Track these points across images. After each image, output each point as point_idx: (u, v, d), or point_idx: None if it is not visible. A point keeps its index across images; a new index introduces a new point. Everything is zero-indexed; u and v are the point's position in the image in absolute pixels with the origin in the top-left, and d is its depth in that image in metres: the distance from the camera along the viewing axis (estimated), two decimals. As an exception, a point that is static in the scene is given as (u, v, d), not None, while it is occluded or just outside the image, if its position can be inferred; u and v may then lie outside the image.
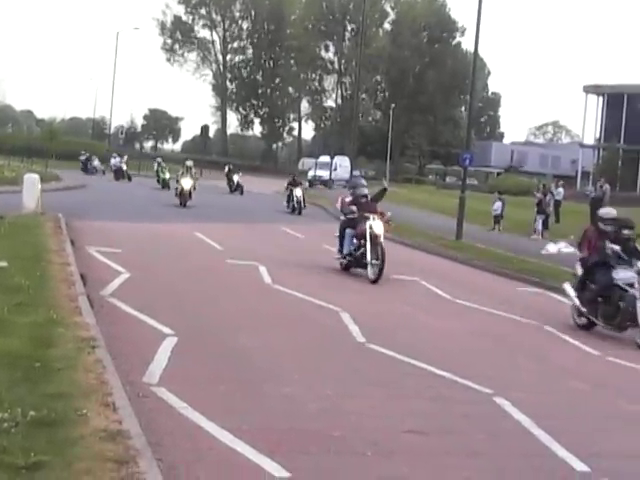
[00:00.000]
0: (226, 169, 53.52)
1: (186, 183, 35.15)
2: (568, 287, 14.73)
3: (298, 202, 37.78)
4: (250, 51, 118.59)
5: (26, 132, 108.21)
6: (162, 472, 5.58)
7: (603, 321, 13.75)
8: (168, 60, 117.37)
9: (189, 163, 37.48)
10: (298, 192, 37.91)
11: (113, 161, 59.94)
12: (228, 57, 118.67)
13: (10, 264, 13.06)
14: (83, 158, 62.75)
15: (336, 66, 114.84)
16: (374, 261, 17.48)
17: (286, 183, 39.90)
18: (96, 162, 63.25)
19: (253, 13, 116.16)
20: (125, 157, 59.86)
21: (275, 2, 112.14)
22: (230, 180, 50.57)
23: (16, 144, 72.15)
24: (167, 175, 49.36)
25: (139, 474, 5.33)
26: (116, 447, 5.74)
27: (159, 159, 54.65)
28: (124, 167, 57.57)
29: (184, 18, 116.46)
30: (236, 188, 49.35)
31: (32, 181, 25.01)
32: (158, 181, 50.35)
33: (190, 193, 35.33)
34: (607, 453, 7.42)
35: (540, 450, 7.26)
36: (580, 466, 6.88)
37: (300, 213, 37.45)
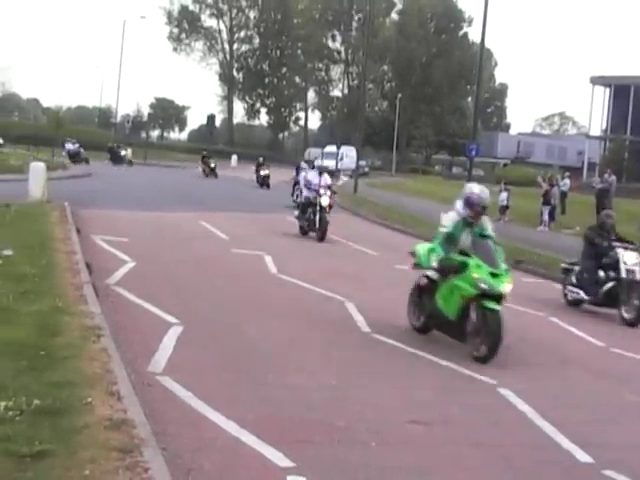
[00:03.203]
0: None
1: None
2: None
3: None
4: (257, 40, 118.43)
5: (32, 120, 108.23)
6: (166, 461, 5.59)
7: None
8: (175, 49, 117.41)
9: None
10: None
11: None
12: (235, 46, 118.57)
13: (16, 252, 13.09)
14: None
15: (343, 56, 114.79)
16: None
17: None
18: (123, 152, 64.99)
19: (260, 2, 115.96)
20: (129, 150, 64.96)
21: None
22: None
23: (22, 132, 72.28)
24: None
25: (143, 463, 5.35)
26: (121, 436, 5.76)
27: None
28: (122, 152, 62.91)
29: (191, 7, 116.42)
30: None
31: (38, 169, 25.06)
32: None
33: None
34: (611, 444, 7.41)
35: (544, 441, 7.26)
36: (584, 457, 6.89)
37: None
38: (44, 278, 11.32)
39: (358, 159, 54.99)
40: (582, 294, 15.11)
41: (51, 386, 6.62)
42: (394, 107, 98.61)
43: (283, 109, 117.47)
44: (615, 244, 14.92)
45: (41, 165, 25.75)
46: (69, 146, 59.86)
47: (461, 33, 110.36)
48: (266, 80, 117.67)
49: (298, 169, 32.43)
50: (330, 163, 70.89)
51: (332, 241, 23.10)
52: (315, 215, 22.81)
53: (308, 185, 23.83)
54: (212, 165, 57.01)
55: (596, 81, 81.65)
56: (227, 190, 43.47)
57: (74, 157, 57.78)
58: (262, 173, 48.85)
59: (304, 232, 23.31)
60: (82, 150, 59.41)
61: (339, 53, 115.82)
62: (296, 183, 29.71)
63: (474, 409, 8.07)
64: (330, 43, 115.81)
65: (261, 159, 52.85)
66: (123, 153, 63.62)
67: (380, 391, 8.38)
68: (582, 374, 10.18)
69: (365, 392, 8.26)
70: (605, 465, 6.72)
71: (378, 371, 9.18)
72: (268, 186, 47.70)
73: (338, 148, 69.16)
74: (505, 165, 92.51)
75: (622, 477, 6.51)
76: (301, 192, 25.27)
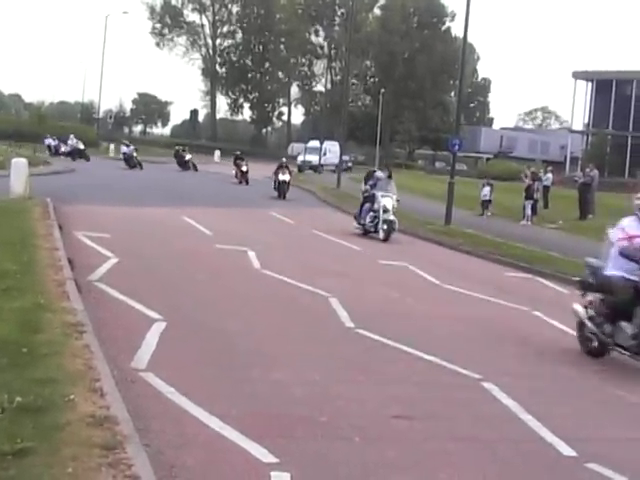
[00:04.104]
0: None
1: None
2: None
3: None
4: (240, 35, 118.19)
5: (14, 116, 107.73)
6: (150, 457, 5.57)
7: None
8: (157, 44, 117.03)
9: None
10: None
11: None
12: (218, 41, 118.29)
13: (-3, 249, 13.01)
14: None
15: (326, 51, 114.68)
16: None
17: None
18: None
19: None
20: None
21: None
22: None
23: (4, 128, 71.81)
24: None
25: (126, 460, 5.32)
26: (103, 433, 5.74)
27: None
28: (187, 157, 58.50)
29: (173, 2, 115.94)
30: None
31: (20, 165, 24.93)
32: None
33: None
34: (594, 438, 7.45)
35: (528, 435, 7.28)
36: (568, 451, 6.91)
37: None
38: (26, 275, 11.26)
39: (341, 154, 55.00)
40: None
41: (33, 383, 6.59)
42: (377, 102, 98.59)
43: (266, 104, 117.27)
44: None
45: (23, 161, 25.61)
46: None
47: (444, 28, 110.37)
48: (249, 75, 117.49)
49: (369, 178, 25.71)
50: (313, 158, 71.25)
51: (315, 236, 23.12)
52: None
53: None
54: (187, 157, 56.69)
55: (578, 76, 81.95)
56: (210, 185, 43.37)
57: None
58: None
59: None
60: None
61: (322, 48, 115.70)
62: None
63: (458, 403, 8.08)
64: (313, 38, 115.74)
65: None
66: (188, 157, 57.77)
67: (363, 386, 8.38)
68: (566, 368, 10.21)
69: (348, 387, 8.26)
70: (588, 458, 6.74)
71: (361, 366, 9.18)
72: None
73: (321, 143, 69.28)
74: (488, 160, 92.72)
75: (605, 470, 6.52)
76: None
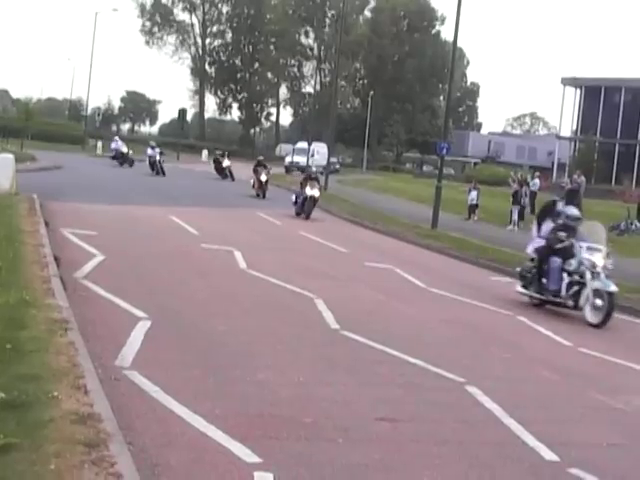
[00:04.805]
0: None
1: None
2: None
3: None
4: (229, 35, 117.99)
5: (1, 112, 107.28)
6: (133, 456, 5.57)
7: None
8: (147, 43, 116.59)
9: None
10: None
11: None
12: (207, 41, 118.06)
13: (-17, 245, 12.96)
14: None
15: (315, 52, 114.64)
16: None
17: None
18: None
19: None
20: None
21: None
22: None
23: (-9, 124, 71.53)
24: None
25: (109, 458, 5.31)
26: (87, 430, 5.72)
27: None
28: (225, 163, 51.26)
29: (164, 1, 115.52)
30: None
31: (6, 161, 24.84)
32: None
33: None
34: (576, 443, 7.47)
35: (511, 439, 7.30)
36: (550, 455, 6.93)
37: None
38: (11, 271, 11.21)
39: (329, 156, 55.02)
40: None
41: (17, 379, 6.57)
42: (366, 104, 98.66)
43: (255, 104, 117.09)
44: None
45: (9, 157, 25.52)
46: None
47: (434, 32, 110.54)
48: (238, 75, 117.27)
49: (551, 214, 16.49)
50: (301, 159, 71.18)
51: (302, 238, 23.12)
52: None
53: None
54: (225, 164, 49.03)
55: (567, 82, 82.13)
56: (196, 185, 43.29)
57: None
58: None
59: None
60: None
61: (312, 50, 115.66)
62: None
63: (441, 407, 8.09)
64: (303, 39, 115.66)
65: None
66: (226, 164, 49.09)
67: (348, 388, 8.39)
68: (549, 373, 10.24)
69: (333, 389, 8.27)
70: (571, 463, 6.77)
71: (346, 368, 9.18)
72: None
73: (309, 144, 69.07)
74: (476, 164, 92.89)
75: (587, 475, 6.55)
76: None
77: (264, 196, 37.37)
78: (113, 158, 53.80)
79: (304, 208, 29.53)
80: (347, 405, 7.76)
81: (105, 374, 7.52)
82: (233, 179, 47.59)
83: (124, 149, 54.23)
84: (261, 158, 40.57)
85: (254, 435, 6.57)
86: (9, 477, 4.88)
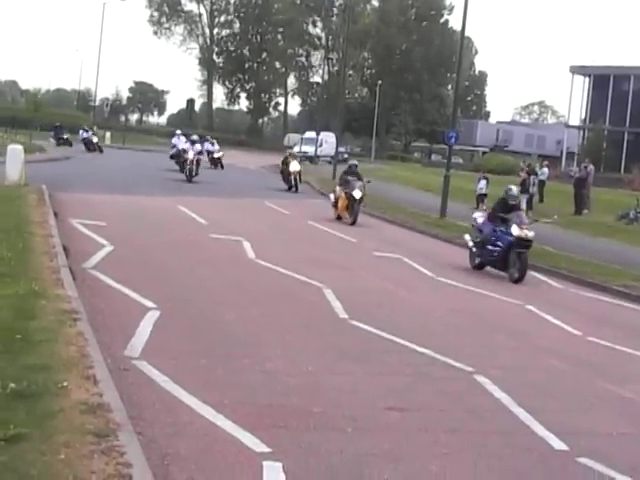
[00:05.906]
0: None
1: None
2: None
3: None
4: (237, 25, 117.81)
5: (10, 102, 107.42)
6: (142, 446, 5.58)
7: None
8: (155, 33, 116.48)
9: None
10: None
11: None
12: (215, 31, 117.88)
13: (-8, 235, 12.98)
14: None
15: (323, 42, 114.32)
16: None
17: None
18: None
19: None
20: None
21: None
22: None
23: (0, 115, 71.57)
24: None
25: (119, 447, 5.32)
26: (96, 420, 5.74)
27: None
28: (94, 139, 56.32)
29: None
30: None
31: (16, 152, 24.85)
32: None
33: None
34: (586, 432, 7.46)
35: (519, 428, 7.30)
36: (559, 444, 6.92)
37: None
38: (20, 261, 11.25)
39: (337, 145, 54.95)
40: None
41: (27, 370, 6.59)
42: (374, 94, 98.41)
43: (263, 94, 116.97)
44: None
45: (19, 148, 25.54)
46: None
47: (442, 20, 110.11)
48: (246, 65, 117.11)
49: None
50: (309, 149, 71.16)
51: (311, 227, 23.12)
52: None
53: None
54: (292, 168, 38.04)
55: (576, 70, 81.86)
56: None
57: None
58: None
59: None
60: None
61: (320, 39, 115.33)
62: None
63: (450, 396, 8.09)
64: (311, 29, 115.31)
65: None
66: (294, 169, 37.15)
67: (356, 377, 8.39)
68: (558, 362, 10.23)
69: (341, 378, 8.27)
70: (580, 452, 6.76)
71: (355, 357, 9.19)
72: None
73: (317, 134, 69.13)
74: (484, 153, 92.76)
75: (596, 464, 6.54)
76: None
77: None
78: (171, 158, 41.26)
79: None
80: (356, 394, 7.76)
81: (114, 364, 7.54)
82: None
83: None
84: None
85: (263, 424, 6.58)
86: (19, 467, 4.89)
